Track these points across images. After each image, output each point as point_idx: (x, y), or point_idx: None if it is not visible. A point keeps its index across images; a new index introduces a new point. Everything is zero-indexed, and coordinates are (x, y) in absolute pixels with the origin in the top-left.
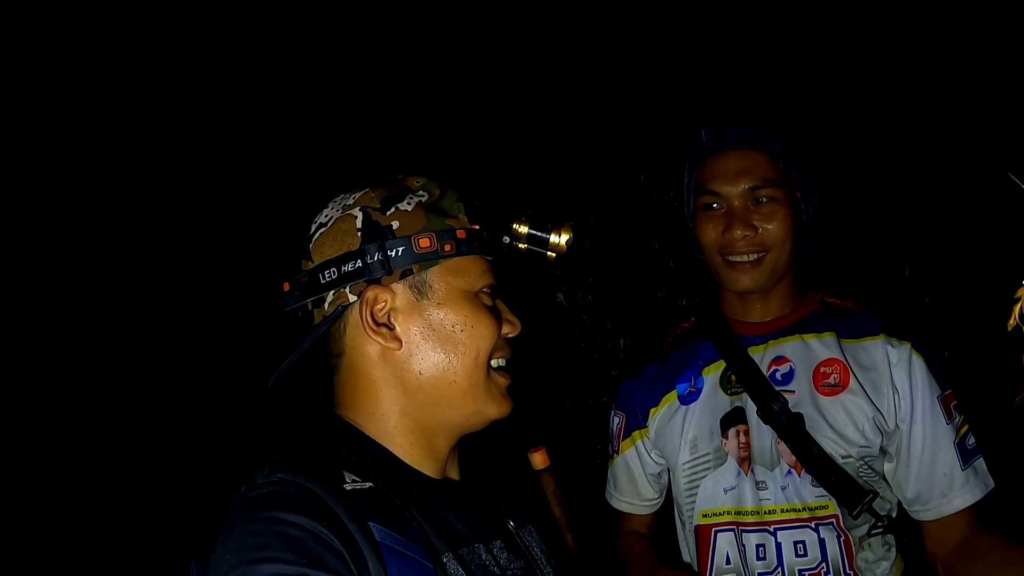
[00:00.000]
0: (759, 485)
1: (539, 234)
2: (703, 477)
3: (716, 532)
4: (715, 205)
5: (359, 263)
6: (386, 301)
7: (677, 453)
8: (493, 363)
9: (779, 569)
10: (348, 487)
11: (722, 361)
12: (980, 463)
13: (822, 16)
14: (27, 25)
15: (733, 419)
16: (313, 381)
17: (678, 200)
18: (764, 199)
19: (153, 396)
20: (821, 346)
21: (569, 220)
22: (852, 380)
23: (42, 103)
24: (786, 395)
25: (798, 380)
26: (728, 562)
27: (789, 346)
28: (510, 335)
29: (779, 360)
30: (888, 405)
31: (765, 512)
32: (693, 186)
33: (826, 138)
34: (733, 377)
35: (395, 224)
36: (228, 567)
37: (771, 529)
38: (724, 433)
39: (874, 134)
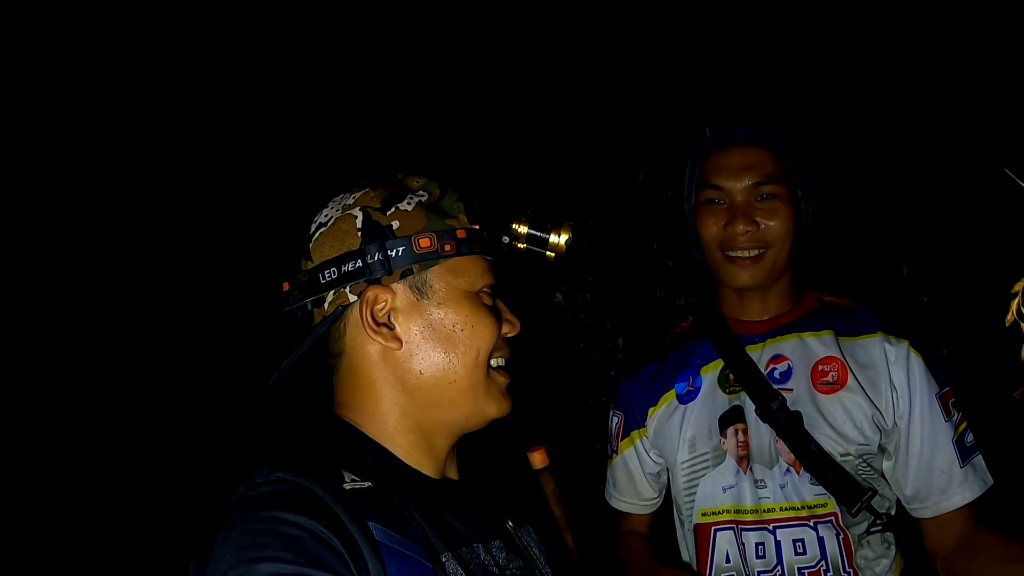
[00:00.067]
0: (758, 484)
1: (538, 234)
2: (702, 476)
3: (715, 531)
4: (717, 200)
5: (359, 263)
6: (386, 301)
7: (676, 452)
8: (493, 362)
9: (779, 567)
10: (347, 487)
11: (720, 360)
12: (979, 460)
13: (821, 14)
14: (27, 25)
15: (731, 418)
16: (313, 381)
17: (677, 200)
18: (767, 196)
19: (153, 396)
20: (819, 344)
21: (568, 220)
22: (850, 378)
23: (42, 103)
24: (784, 393)
25: (796, 378)
26: (728, 560)
27: (787, 344)
28: (510, 335)
29: (777, 358)
30: (886, 403)
31: (764, 510)
32: (696, 180)
33: (824, 137)
34: (731, 376)
35: (395, 224)
36: (227, 566)
37: (770, 527)
38: (723, 432)
39: (872, 133)
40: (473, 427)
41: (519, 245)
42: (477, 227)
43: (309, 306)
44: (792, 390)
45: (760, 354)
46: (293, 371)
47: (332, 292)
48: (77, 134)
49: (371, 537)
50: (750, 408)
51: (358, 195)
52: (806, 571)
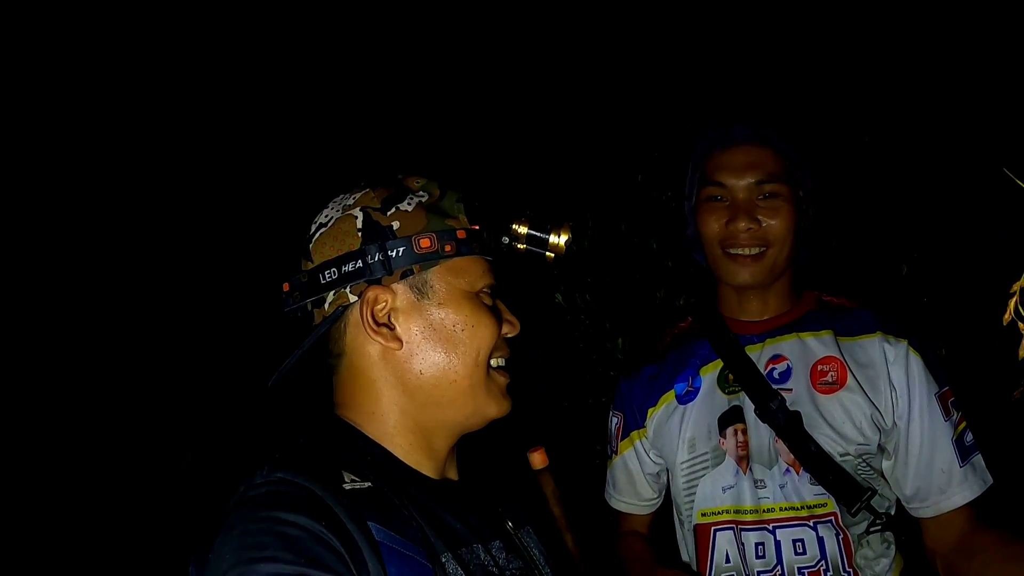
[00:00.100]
0: (758, 484)
1: (538, 234)
2: (701, 476)
3: (715, 531)
4: (720, 197)
5: (360, 263)
6: (387, 301)
7: (675, 453)
8: (493, 362)
9: (778, 567)
10: (347, 487)
11: (719, 360)
12: (978, 459)
13: (820, 13)
14: (27, 25)
15: (731, 418)
16: (313, 382)
17: (676, 200)
18: (769, 194)
19: (153, 396)
20: (818, 344)
21: (568, 220)
22: (850, 378)
23: (42, 103)
24: (784, 393)
25: (796, 378)
26: (728, 561)
27: (786, 344)
28: (510, 335)
29: (776, 358)
30: (886, 402)
31: (764, 511)
32: (698, 178)
33: (823, 137)
34: (731, 376)
35: (396, 224)
36: (227, 566)
37: (770, 527)
38: (722, 432)
39: (872, 133)
40: (473, 427)
41: (519, 245)
42: (477, 227)
43: (309, 306)
44: (791, 390)
45: (759, 354)
46: (293, 372)
47: (332, 292)
48: (78, 135)
49: (371, 537)
50: (749, 408)
51: (358, 195)
52: (806, 571)
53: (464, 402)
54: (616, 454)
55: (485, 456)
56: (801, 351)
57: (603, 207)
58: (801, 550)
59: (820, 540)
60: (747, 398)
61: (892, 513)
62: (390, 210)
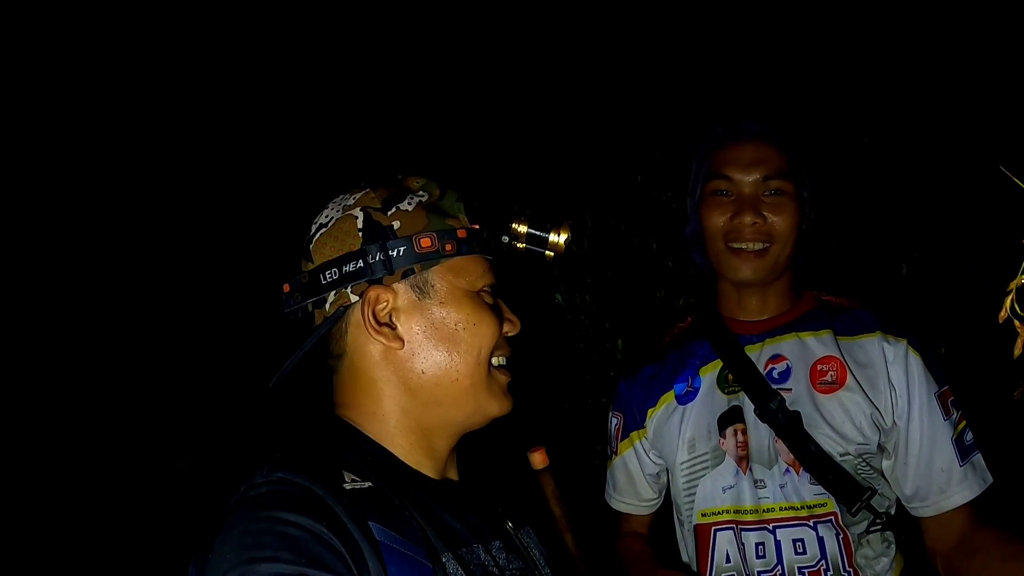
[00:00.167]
0: (757, 484)
1: (538, 233)
2: (701, 476)
3: (715, 531)
4: (725, 191)
5: (360, 263)
6: (388, 301)
7: (675, 453)
8: (494, 361)
9: (779, 567)
10: (347, 487)
11: (719, 360)
12: (978, 459)
13: (820, 13)
14: (27, 25)
15: (730, 418)
16: (313, 382)
17: (676, 200)
18: (775, 191)
19: (154, 397)
20: (818, 344)
21: (568, 220)
22: (849, 377)
23: (42, 103)
24: (783, 393)
25: (795, 378)
26: (728, 560)
27: (786, 344)
28: (510, 334)
29: (776, 358)
30: (885, 402)
31: (764, 510)
32: (704, 172)
33: (823, 137)
34: (730, 376)
35: (396, 224)
36: (227, 566)
37: (770, 527)
38: (722, 432)
39: (872, 133)
40: (474, 426)
41: (519, 245)
42: (477, 227)
43: (310, 307)
44: (791, 390)
45: (759, 354)
46: (294, 372)
47: (333, 293)
48: (78, 136)
49: (371, 537)
50: (749, 408)
51: (358, 196)
52: (806, 571)
53: (466, 401)
54: (616, 455)
55: (485, 456)
56: (801, 351)
57: (603, 207)
58: (801, 550)
59: (820, 540)
60: (747, 398)
61: (892, 512)
62: (390, 210)
